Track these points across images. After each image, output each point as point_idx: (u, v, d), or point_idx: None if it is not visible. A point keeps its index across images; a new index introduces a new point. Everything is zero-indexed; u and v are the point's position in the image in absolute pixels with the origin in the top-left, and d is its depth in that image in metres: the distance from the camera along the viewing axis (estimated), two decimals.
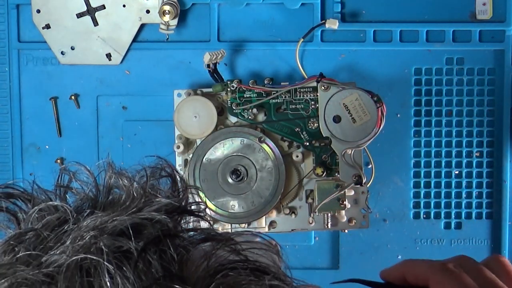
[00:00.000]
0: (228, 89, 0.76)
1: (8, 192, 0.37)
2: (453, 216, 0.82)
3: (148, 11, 0.79)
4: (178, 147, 0.76)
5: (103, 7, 0.80)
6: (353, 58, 0.81)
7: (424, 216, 0.82)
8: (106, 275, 0.29)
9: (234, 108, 0.76)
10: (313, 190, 0.75)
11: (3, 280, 0.30)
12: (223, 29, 0.81)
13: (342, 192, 0.74)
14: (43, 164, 0.83)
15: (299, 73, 0.79)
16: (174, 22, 0.79)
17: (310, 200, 0.76)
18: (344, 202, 0.74)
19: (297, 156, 0.76)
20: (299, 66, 0.79)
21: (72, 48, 0.80)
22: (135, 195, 0.34)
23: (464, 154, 0.82)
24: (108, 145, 0.82)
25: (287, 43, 0.81)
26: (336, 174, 0.75)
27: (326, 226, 0.76)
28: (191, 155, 0.76)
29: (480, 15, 0.80)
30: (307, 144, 0.75)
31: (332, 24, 0.78)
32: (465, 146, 0.81)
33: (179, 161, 0.77)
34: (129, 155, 0.82)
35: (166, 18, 0.78)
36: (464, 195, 0.82)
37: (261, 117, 0.77)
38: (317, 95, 0.75)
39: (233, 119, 0.77)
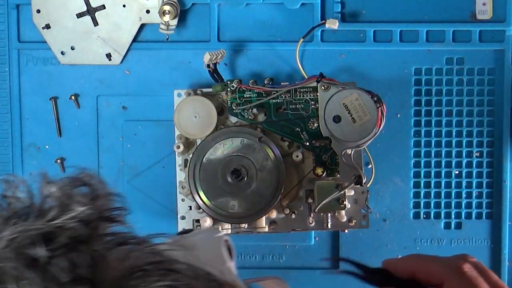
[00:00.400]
0: (228, 89, 0.76)
1: None
2: (453, 216, 0.82)
3: (148, 11, 0.79)
4: (178, 147, 0.76)
5: (103, 7, 0.80)
6: (353, 58, 0.81)
7: (424, 216, 0.82)
8: (13, 282, 0.30)
9: (234, 108, 0.76)
10: (313, 190, 0.75)
11: None
12: (223, 29, 0.81)
13: (342, 192, 0.74)
14: (43, 164, 0.83)
15: (299, 73, 0.79)
16: (174, 22, 0.79)
17: (310, 200, 0.76)
18: (344, 202, 0.74)
19: (297, 156, 0.76)
20: (299, 66, 0.79)
21: (72, 48, 0.80)
22: (51, 204, 0.35)
23: (464, 154, 0.82)
24: (108, 145, 0.82)
25: (287, 43, 0.81)
26: (336, 174, 0.75)
27: (326, 226, 0.76)
28: (191, 155, 0.76)
29: (480, 15, 0.80)
30: (307, 144, 0.75)
31: (332, 24, 0.78)
32: (465, 146, 0.81)
33: (179, 161, 0.77)
34: (129, 155, 0.82)
35: (166, 18, 0.78)
36: (464, 195, 0.82)
37: (261, 117, 0.77)
38: (317, 95, 0.75)
39: (233, 119, 0.77)
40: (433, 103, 0.81)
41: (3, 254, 0.31)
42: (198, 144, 0.76)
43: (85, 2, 0.80)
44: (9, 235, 0.32)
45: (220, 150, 0.76)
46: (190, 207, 0.78)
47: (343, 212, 0.75)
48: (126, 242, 0.34)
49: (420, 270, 0.51)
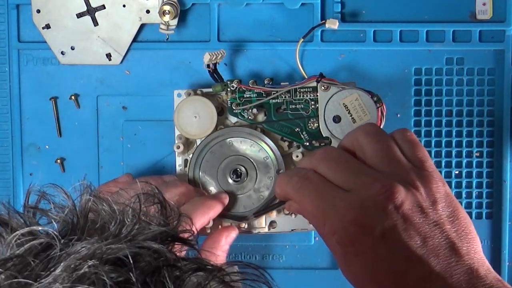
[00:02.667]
0: (228, 89, 0.76)
1: None
2: None
3: (148, 11, 0.79)
4: (178, 147, 0.76)
5: (103, 7, 0.80)
6: (353, 58, 0.81)
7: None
8: None
9: (234, 108, 0.76)
10: None
11: None
12: (223, 29, 0.81)
13: None
14: (43, 164, 0.83)
15: (299, 73, 0.79)
16: (174, 22, 0.79)
17: None
18: None
19: (297, 156, 0.76)
20: (299, 66, 0.79)
21: (72, 48, 0.80)
22: (127, 221, 0.33)
23: (464, 154, 0.82)
24: (108, 145, 0.82)
25: (287, 43, 0.81)
26: None
27: None
28: (191, 155, 0.76)
29: (480, 15, 0.80)
30: (307, 144, 0.75)
31: (332, 24, 0.78)
32: (465, 146, 0.81)
33: (179, 161, 0.77)
34: (129, 155, 0.82)
35: (166, 18, 0.78)
36: (464, 195, 0.82)
37: (261, 117, 0.77)
38: (317, 95, 0.75)
39: (233, 119, 0.77)
40: (433, 103, 0.81)
41: (91, 277, 0.29)
42: (198, 144, 0.76)
43: (85, 2, 0.80)
44: (87, 253, 0.30)
45: (220, 150, 0.76)
46: None
47: None
48: (202, 268, 0.32)
49: (278, 191, 0.53)
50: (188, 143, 0.77)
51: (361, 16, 0.81)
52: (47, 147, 0.83)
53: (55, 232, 0.32)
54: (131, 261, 0.30)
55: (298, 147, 0.76)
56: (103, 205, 0.34)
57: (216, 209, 0.70)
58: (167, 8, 0.78)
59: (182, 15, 0.80)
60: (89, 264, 0.29)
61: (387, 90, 0.81)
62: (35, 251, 0.31)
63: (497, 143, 0.81)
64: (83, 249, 0.30)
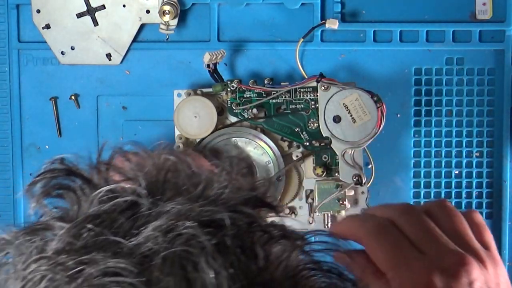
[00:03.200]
0: (228, 89, 0.76)
1: (68, 168, 0.33)
2: None
3: (148, 11, 0.79)
4: (178, 147, 0.76)
5: (103, 7, 0.80)
6: (353, 58, 0.81)
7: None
8: (210, 271, 0.27)
9: (234, 108, 0.76)
10: (313, 190, 0.75)
11: (88, 268, 0.27)
12: (223, 29, 0.81)
13: (342, 192, 0.74)
14: (43, 164, 0.82)
15: (299, 73, 0.79)
16: (174, 22, 0.79)
17: (310, 200, 0.76)
18: (344, 202, 0.74)
19: (297, 156, 0.76)
20: (299, 66, 0.79)
21: (72, 48, 0.80)
22: (215, 184, 0.32)
23: (464, 154, 0.82)
24: (108, 145, 0.82)
25: (287, 43, 0.80)
26: (336, 174, 0.75)
27: (326, 226, 0.76)
28: None
29: (480, 15, 0.80)
30: (307, 144, 0.75)
31: (332, 24, 0.78)
32: (465, 146, 0.81)
33: None
34: None
35: (166, 18, 0.78)
36: (464, 195, 0.82)
37: (261, 117, 0.77)
38: (317, 95, 0.75)
39: (233, 119, 0.77)
40: (433, 103, 0.81)
41: (190, 239, 0.28)
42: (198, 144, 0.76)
43: (85, 2, 0.80)
44: (180, 213, 0.29)
45: (224, 148, 0.76)
46: None
47: (343, 212, 0.75)
48: (288, 235, 0.31)
49: (346, 231, 0.51)
50: (188, 143, 0.77)
51: (361, 16, 0.81)
52: (47, 147, 0.83)
53: (142, 190, 0.30)
54: (228, 225, 0.29)
55: (298, 147, 0.76)
56: (183, 166, 0.33)
57: None
58: (167, 8, 0.78)
59: (182, 15, 0.80)
60: (187, 225, 0.28)
61: (387, 90, 0.80)
62: (120, 209, 0.30)
63: (497, 143, 0.81)
64: (173, 209, 0.29)
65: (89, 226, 0.29)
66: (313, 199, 0.75)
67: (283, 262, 0.30)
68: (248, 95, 0.76)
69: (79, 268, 0.27)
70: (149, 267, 0.27)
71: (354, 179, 0.74)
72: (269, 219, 0.32)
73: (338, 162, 0.74)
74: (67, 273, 0.27)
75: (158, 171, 0.32)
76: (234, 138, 0.76)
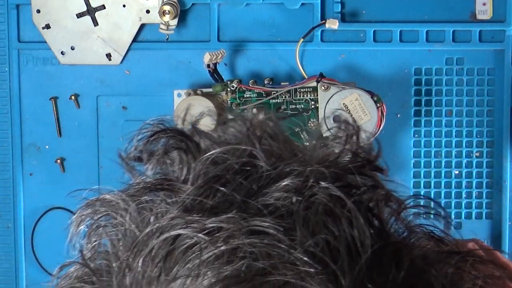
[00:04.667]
0: (228, 89, 0.76)
1: (181, 131, 0.33)
2: (453, 216, 0.82)
3: (148, 11, 0.79)
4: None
5: (103, 7, 0.80)
6: (353, 58, 0.81)
7: (424, 216, 0.82)
8: (354, 230, 0.27)
9: (234, 108, 0.76)
10: None
11: (229, 228, 0.26)
12: (223, 29, 0.81)
13: None
14: (43, 164, 0.83)
15: (299, 73, 0.79)
16: (174, 22, 0.79)
17: None
18: None
19: None
20: (299, 66, 0.79)
21: (72, 48, 0.80)
22: (332, 149, 0.32)
23: (464, 154, 0.82)
24: (108, 145, 0.82)
25: (287, 43, 0.80)
26: None
27: None
28: None
29: (480, 15, 0.80)
30: (307, 144, 0.75)
31: (332, 24, 0.78)
32: (465, 146, 0.81)
33: None
34: None
35: (166, 18, 0.78)
36: (464, 195, 0.82)
37: (261, 117, 0.77)
38: (317, 95, 0.75)
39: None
40: (433, 103, 0.81)
41: (337, 202, 0.27)
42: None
43: (85, 2, 0.80)
44: (302, 174, 0.28)
45: None
46: None
47: None
48: (392, 199, 0.31)
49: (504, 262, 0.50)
50: None
51: (361, 16, 0.81)
52: (47, 147, 0.83)
53: (260, 152, 0.30)
54: (358, 190, 0.29)
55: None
56: (281, 131, 0.33)
57: None
58: (167, 8, 0.78)
59: (182, 15, 0.80)
60: (323, 185, 0.28)
61: (387, 90, 0.80)
62: (233, 171, 0.29)
63: (497, 143, 0.81)
64: (295, 171, 0.29)
65: (216, 186, 0.28)
66: None
67: (393, 225, 0.30)
68: (248, 95, 0.76)
69: (217, 227, 0.27)
70: (291, 227, 0.27)
71: None
72: None
73: None
74: (206, 233, 0.27)
75: (256, 135, 0.32)
76: None
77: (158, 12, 0.78)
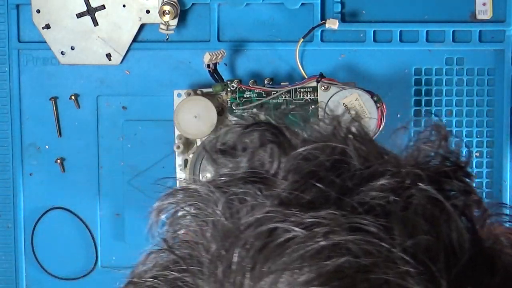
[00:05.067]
0: (228, 89, 0.76)
1: (273, 124, 0.33)
2: None
3: (148, 11, 0.79)
4: (178, 147, 0.76)
5: (103, 7, 0.80)
6: (353, 58, 0.81)
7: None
8: (454, 233, 0.27)
9: (234, 108, 0.76)
10: None
11: (328, 224, 0.26)
12: (223, 29, 0.81)
13: None
14: (43, 164, 0.83)
15: (299, 73, 0.79)
16: (174, 22, 0.79)
17: None
18: None
19: None
20: (299, 66, 0.79)
21: (72, 48, 0.80)
22: (426, 153, 0.32)
23: (464, 154, 0.81)
24: (108, 145, 0.82)
25: (287, 43, 0.80)
26: None
27: None
28: (191, 155, 0.76)
29: (480, 15, 0.80)
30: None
31: (332, 24, 0.78)
32: (465, 146, 0.81)
33: (179, 161, 0.77)
34: (129, 155, 0.82)
35: (166, 18, 0.78)
36: None
37: (261, 117, 0.77)
38: (317, 95, 0.75)
39: (233, 119, 0.77)
40: (433, 103, 0.81)
41: (410, 195, 0.28)
42: (198, 144, 0.76)
43: (85, 2, 0.80)
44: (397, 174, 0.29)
45: None
46: None
47: None
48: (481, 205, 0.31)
49: None
50: (188, 143, 0.77)
51: (361, 16, 0.81)
52: (47, 147, 0.83)
53: (352, 151, 0.30)
54: (454, 194, 0.30)
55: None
56: (366, 131, 0.32)
57: None
58: (167, 8, 0.78)
59: (182, 15, 0.80)
60: (420, 187, 0.28)
61: (387, 90, 0.80)
62: (324, 167, 0.29)
63: (497, 143, 0.81)
64: (390, 171, 0.29)
65: (312, 181, 0.28)
66: None
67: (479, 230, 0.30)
68: (248, 95, 0.76)
69: (316, 222, 0.26)
70: (389, 226, 0.27)
71: None
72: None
73: None
74: (304, 227, 0.26)
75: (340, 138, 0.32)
76: None
77: (158, 12, 0.78)
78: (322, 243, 0.26)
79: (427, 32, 0.80)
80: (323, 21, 0.79)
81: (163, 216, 0.31)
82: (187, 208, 0.30)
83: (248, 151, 0.31)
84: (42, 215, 0.83)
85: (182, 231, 0.30)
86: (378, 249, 0.26)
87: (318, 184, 0.28)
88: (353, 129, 0.32)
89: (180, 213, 0.30)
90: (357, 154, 0.30)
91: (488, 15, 0.80)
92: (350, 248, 0.26)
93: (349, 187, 0.28)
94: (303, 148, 0.30)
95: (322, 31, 0.81)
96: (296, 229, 0.26)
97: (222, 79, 0.76)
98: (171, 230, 0.31)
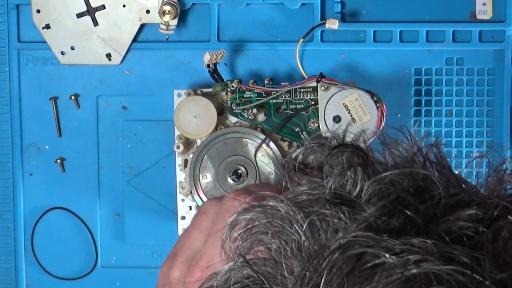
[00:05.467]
0: (228, 89, 0.76)
1: (361, 147, 0.32)
2: None
3: (148, 11, 0.79)
4: (178, 147, 0.76)
5: (103, 7, 0.80)
6: (353, 58, 0.81)
7: None
8: None
9: (234, 108, 0.76)
10: None
11: (416, 253, 0.26)
12: (223, 29, 0.81)
13: None
14: (43, 164, 0.83)
15: (299, 73, 0.79)
16: (174, 22, 0.79)
17: None
18: None
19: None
20: (299, 66, 0.79)
21: (72, 48, 0.80)
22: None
23: (464, 154, 0.82)
24: (108, 145, 0.82)
25: (287, 43, 0.80)
26: None
27: None
28: (191, 155, 0.76)
29: (480, 15, 0.80)
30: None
31: (332, 24, 0.78)
32: (465, 146, 0.81)
33: (179, 161, 0.77)
34: (129, 155, 0.82)
35: (166, 18, 0.78)
36: None
37: (261, 117, 0.77)
38: (317, 95, 0.75)
39: (233, 119, 0.77)
40: (433, 103, 0.81)
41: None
42: (198, 144, 0.76)
43: (85, 2, 0.80)
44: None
45: (220, 150, 0.76)
46: (190, 207, 0.78)
47: None
48: None
49: None
50: (188, 143, 0.77)
51: (361, 16, 0.81)
52: (47, 147, 0.83)
53: (438, 178, 0.30)
54: None
55: (298, 147, 0.76)
56: (445, 157, 0.32)
57: None
58: (167, 8, 0.78)
59: (182, 15, 0.80)
60: (509, 220, 0.28)
61: (387, 90, 0.80)
62: (408, 193, 0.29)
63: (497, 143, 0.81)
64: (475, 201, 0.29)
65: (400, 207, 0.28)
66: None
67: None
68: (248, 95, 0.76)
69: (407, 249, 0.26)
70: (479, 257, 0.26)
71: None
72: None
73: None
74: (394, 254, 0.26)
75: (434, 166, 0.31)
76: (245, 139, 0.76)
77: (158, 12, 0.78)
78: (414, 271, 0.25)
79: (427, 32, 0.80)
80: (323, 21, 0.79)
81: (238, 231, 0.30)
82: (264, 225, 0.30)
83: (334, 172, 0.31)
84: (42, 215, 0.83)
85: (259, 248, 0.30)
86: (471, 281, 0.25)
87: (406, 211, 0.28)
88: (432, 156, 0.31)
89: (256, 229, 0.30)
90: (440, 181, 0.29)
91: (488, 15, 0.80)
92: (443, 278, 0.25)
93: (435, 214, 0.28)
94: (387, 173, 0.30)
95: (322, 31, 0.81)
96: (386, 255, 0.26)
97: (222, 79, 0.76)
98: (246, 246, 0.30)
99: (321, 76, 0.75)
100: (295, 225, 0.28)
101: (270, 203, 0.30)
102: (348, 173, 0.31)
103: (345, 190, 0.30)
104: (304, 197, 0.30)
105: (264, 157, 0.76)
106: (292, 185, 0.32)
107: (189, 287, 0.52)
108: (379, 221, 0.28)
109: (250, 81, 0.76)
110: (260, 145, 0.74)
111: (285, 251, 0.28)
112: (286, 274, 0.28)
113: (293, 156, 0.33)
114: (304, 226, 0.28)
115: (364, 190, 0.29)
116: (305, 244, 0.28)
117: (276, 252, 0.29)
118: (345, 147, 0.32)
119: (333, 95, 0.73)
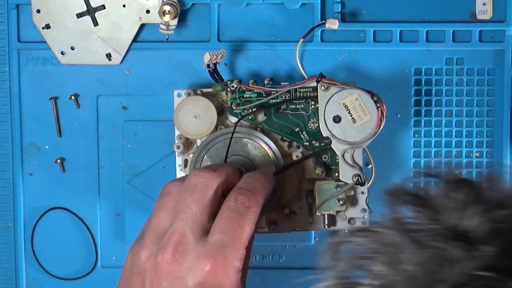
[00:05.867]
0: (228, 89, 0.76)
1: (477, 184, 0.33)
2: None
3: (148, 11, 0.79)
4: (178, 147, 0.76)
5: (103, 7, 0.80)
6: (353, 58, 0.81)
7: None
8: None
9: (234, 108, 0.76)
10: (313, 190, 0.75)
11: None
12: (223, 29, 0.81)
13: (342, 192, 0.74)
14: (43, 164, 0.83)
15: (299, 73, 0.80)
16: (174, 22, 0.79)
17: (310, 200, 0.76)
18: (344, 202, 0.74)
19: (297, 156, 0.76)
20: (299, 66, 0.79)
21: (72, 48, 0.80)
22: None
23: (464, 154, 0.82)
24: (108, 145, 0.82)
25: (287, 43, 0.81)
26: (336, 174, 0.75)
27: (325, 227, 0.76)
28: (191, 155, 0.76)
29: (480, 15, 0.80)
30: (307, 144, 0.75)
31: (332, 24, 0.78)
32: (465, 146, 0.81)
33: (179, 161, 0.77)
34: (129, 155, 0.82)
35: (166, 18, 0.78)
36: None
37: (261, 117, 0.77)
38: (317, 95, 0.75)
39: (233, 119, 0.77)
40: (433, 103, 0.81)
41: None
42: (198, 144, 0.76)
43: (85, 2, 0.80)
44: None
45: (220, 150, 0.76)
46: None
47: (343, 212, 0.75)
48: None
49: None
50: (188, 143, 0.77)
51: (361, 16, 0.81)
52: (47, 147, 0.83)
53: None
54: None
55: (298, 147, 0.76)
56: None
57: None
58: (167, 8, 0.78)
59: (182, 15, 0.80)
60: None
61: (387, 90, 0.81)
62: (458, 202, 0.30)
63: (497, 143, 0.81)
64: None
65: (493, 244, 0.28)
66: (313, 199, 0.75)
67: None
68: (248, 95, 0.76)
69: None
70: None
71: (354, 179, 0.74)
72: None
73: (338, 162, 0.74)
74: None
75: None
76: (245, 139, 0.76)
77: (158, 12, 0.78)
78: None
79: (427, 32, 0.80)
80: (323, 21, 0.79)
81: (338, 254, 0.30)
82: (371, 251, 0.29)
83: (450, 207, 0.31)
84: (42, 215, 0.83)
85: (367, 273, 0.29)
86: None
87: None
88: None
89: (361, 254, 0.30)
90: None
91: (488, 15, 0.80)
92: None
93: None
94: (503, 212, 0.30)
95: (322, 31, 0.81)
96: None
97: (222, 79, 0.76)
98: (350, 269, 0.30)
99: (321, 76, 0.75)
100: (407, 255, 0.28)
101: (379, 229, 0.30)
102: (465, 209, 0.30)
103: (461, 226, 0.30)
104: (415, 226, 0.30)
105: (257, 149, 0.76)
106: (394, 212, 0.32)
107: (159, 268, 0.52)
108: (496, 261, 0.27)
109: (250, 81, 0.76)
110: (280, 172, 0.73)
111: (394, 281, 0.28)
112: None
113: (402, 184, 0.33)
114: (416, 257, 0.28)
115: (481, 228, 0.29)
116: (417, 276, 0.28)
117: (388, 280, 0.28)
118: (461, 183, 0.32)
119: (333, 95, 0.73)
